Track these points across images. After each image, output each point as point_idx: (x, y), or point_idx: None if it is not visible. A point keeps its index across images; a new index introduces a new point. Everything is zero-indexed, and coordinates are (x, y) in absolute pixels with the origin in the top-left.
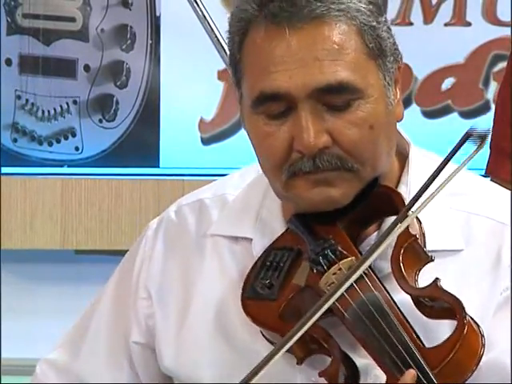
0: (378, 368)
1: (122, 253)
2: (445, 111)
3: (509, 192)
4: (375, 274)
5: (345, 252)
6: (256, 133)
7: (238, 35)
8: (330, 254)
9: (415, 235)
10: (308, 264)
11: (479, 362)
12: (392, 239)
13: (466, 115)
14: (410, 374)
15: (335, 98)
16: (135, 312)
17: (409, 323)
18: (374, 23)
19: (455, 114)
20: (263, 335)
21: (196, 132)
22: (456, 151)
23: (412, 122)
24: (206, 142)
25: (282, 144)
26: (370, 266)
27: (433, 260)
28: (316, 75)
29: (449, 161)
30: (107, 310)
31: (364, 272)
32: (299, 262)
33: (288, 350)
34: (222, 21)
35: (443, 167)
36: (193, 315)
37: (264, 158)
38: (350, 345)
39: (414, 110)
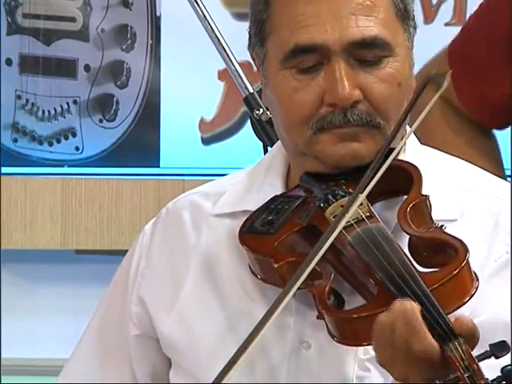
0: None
1: (123, 253)
2: None
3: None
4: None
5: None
6: (283, 88)
7: None
8: (339, 192)
9: (426, 196)
10: (314, 206)
11: (465, 302)
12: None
13: None
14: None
15: (367, 53)
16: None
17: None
18: None
19: None
20: (250, 269)
21: (196, 132)
22: (419, 95)
23: None
24: (206, 141)
25: (312, 98)
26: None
27: (436, 227)
28: (352, 29)
29: (412, 105)
30: (104, 309)
31: (370, 214)
32: (304, 207)
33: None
34: (222, 21)
35: (409, 111)
36: (188, 285)
37: (289, 113)
38: (343, 286)
39: None
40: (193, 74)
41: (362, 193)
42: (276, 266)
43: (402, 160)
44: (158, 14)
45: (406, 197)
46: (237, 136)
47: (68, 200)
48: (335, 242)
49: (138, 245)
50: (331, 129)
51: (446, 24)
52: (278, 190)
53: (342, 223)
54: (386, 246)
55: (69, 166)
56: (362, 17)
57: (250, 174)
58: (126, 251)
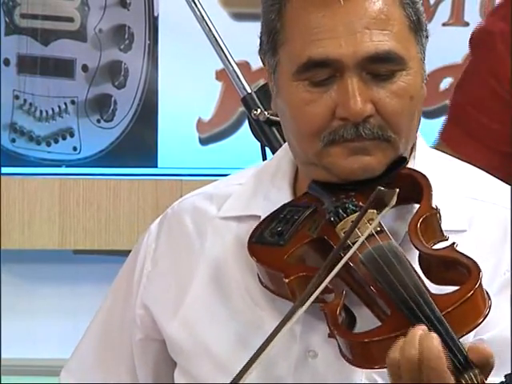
0: (376, 322)
1: (121, 253)
2: (443, 111)
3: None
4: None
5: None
6: (295, 99)
7: (278, 2)
8: (350, 206)
9: (436, 209)
10: (324, 218)
11: (479, 324)
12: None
13: None
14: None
15: (381, 67)
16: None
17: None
18: None
19: None
20: (259, 279)
21: (194, 132)
22: (367, 208)
23: None
24: (204, 142)
25: (324, 111)
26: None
27: (446, 239)
28: (366, 43)
29: (354, 229)
30: (106, 308)
31: (380, 229)
32: (314, 217)
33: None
34: (220, 21)
35: (357, 223)
36: (194, 290)
37: (301, 125)
38: (351, 301)
39: None
40: (190, 75)
41: (369, 207)
42: (287, 280)
43: (411, 168)
44: (155, 15)
45: (415, 206)
46: (235, 136)
47: (66, 200)
48: (348, 260)
49: (143, 245)
50: (342, 142)
51: (444, 24)
52: (286, 193)
53: (356, 246)
54: (398, 266)
55: (67, 166)
56: (377, 31)
57: (256, 176)
58: (124, 251)
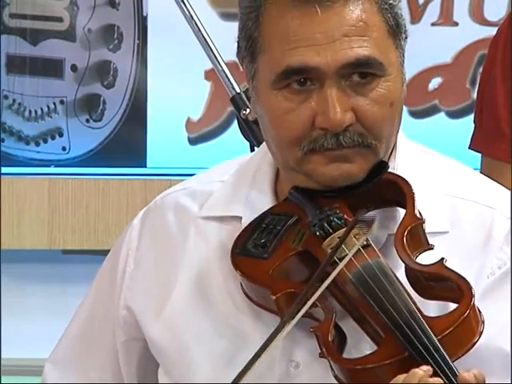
0: (366, 340)
1: None
2: (432, 111)
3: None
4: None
5: (350, 220)
6: (274, 108)
7: (255, 10)
8: (335, 219)
9: (421, 219)
10: (308, 230)
11: (473, 346)
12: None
13: (453, 115)
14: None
15: (360, 74)
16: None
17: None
18: (391, 1)
19: (442, 114)
20: (242, 289)
21: (183, 132)
22: (346, 235)
23: None
24: (193, 141)
25: (303, 120)
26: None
27: (432, 248)
28: (345, 51)
29: (340, 245)
30: (88, 307)
31: (367, 243)
32: (297, 227)
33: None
34: (209, 21)
35: (337, 249)
36: (177, 293)
37: (280, 133)
38: (340, 315)
39: None
40: (180, 74)
41: (353, 226)
42: (274, 297)
43: (393, 173)
44: (144, 14)
45: (397, 210)
46: (224, 136)
47: (55, 200)
48: (336, 276)
49: (125, 242)
50: (323, 151)
51: (433, 24)
52: (267, 196)
53: (343, 263)
54: (389, 288)
55: (55, 166)
56: (356, 38)
57: (237, 175)
58: None
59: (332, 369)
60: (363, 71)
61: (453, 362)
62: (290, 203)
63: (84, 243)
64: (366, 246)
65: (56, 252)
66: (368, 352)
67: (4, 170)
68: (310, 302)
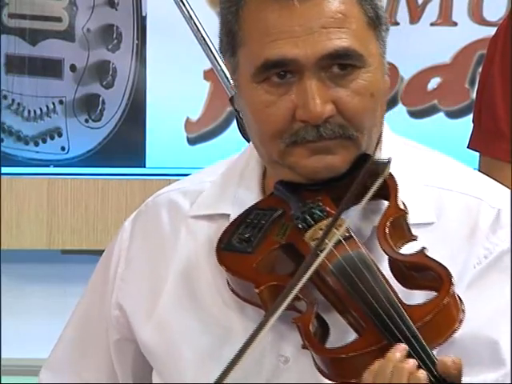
0: (350, 331)
1: None
2: (431, 111)
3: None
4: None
5: (333, 212)
6: (255, 102)
7: (236, 4)
8: (317, 212)
9: (404, 210)
10: (291, 223)
11: (452, 333)
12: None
13: (452, 115)
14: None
15: (340, 65)
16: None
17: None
18: None
19: (441, 114)
20: (229, 284)
21: (182, 132)
22: (360, 183)
23: (398, 122)
24: (192, 141)
25: (284, 113)
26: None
27: (415, 239)
28: (323, 42)
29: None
30: (83, 308)
31: (349, 235)
32: (281, 221)
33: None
34: (208, 21)
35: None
36: (167, 293)
37: (262, 127)
38: (323, 307)
39: (400, 110)
40: (179, 74)
41: (339, 216)
42: (257, 290)
43: (376, 165)
44: (143, 14)
45: (381, 203)
46: (223, 136)
47: (54, 200)
48: (318, 267)
49: (117, 243)
50: (305, 143)
51: (432, 24)
52: (254, 192)
53: (323, 254)
54: (370, 278)
55: (55, 166)
56: (334, 29)
57: (225, 174)
58: None
59: (314, 360)
60: (343, 63)
61: (433, 349)
62: (275, 197)
63: (83, 243)
64: (348, 238)
65: (55, 252)
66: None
67: (3, 169)
68: (291, 295)
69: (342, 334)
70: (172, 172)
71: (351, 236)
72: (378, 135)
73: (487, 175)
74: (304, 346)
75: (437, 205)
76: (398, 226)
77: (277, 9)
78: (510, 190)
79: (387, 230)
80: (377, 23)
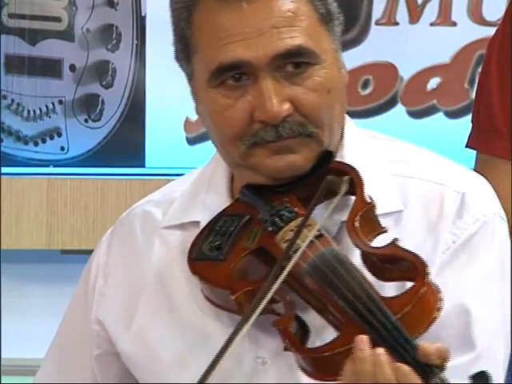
0: (329, 330)
1: None
2: (430, 111)
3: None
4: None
5: (301, 212)
6: (213, 106)
7: (187, 10)
8: (285, 213)
9: (371, 203)
10: (260, 227)
11: (432, 322)
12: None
13: (452, 115)
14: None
15: (293, 64)
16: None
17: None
18: None
19: (441, 114)
20: (203, 293)
21: (182, 132)
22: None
23: (397, 122)
24: (191, 141)
25: (242, 115)
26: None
27: (386, 231)
28: (275, 42)
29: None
30: (66, 324)
31: (319, 233)
32: (250, 226)
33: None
34: None
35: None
36: (143, 303)
37: (222, 131)
38: (301, 308)
39: (400, 110)
40: (178, 74)
41: (309, 216)
42: (233, 297)
43: (340, 162)
44: (143, 14)
45: (347, 198)
46: None
47: (53, 200)
48: (292, 268)
49: (94, 259)
50: (265, 144)
51: (432, 24)
52: (223, 197)
53: (297, 256)
54: (345, 273)
55: (54, 166)
56: (285, 28)
57: (194, 182)
58: None
59: (297, 361)
60: (296, 61)
61: (415, 339)
62: (241, 203)
63: (83, 243)
64: (319, 236)
65: (55, 252)
66: None
67: (2, 169)
68: (266, 298)
69: (321, 332)
70: (171, 172)
71: (322, 234)
72: (341, 130)
73: (482, 172)
74: (286, 348)
75: (401, 193)
76: (367, 220)
77: (227, 12)
78: (475, 174)
79: (357, 225)
80: (328, 19)
